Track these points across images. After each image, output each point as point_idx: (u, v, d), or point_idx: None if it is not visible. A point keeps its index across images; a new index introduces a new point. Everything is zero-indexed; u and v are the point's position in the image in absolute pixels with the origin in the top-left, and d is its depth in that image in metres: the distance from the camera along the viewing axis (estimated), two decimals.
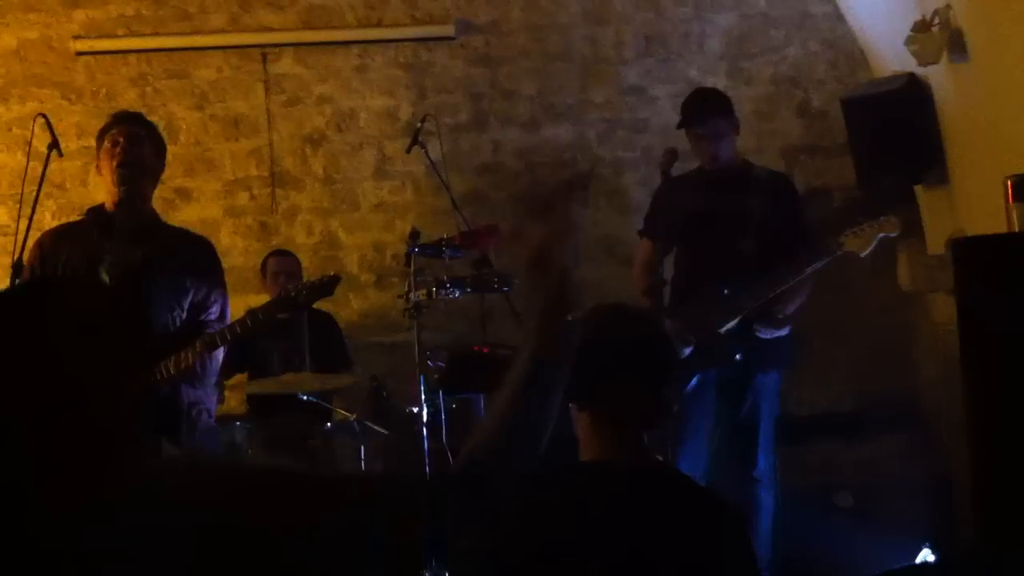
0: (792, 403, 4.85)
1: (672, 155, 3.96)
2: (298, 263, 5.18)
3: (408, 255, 4.25)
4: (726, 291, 4.10)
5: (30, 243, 3.66)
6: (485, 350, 4.43)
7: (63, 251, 3.47)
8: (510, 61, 5.74)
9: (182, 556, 1.22)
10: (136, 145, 3.47)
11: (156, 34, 5.56)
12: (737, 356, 4.10)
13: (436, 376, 4.32)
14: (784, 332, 4.20)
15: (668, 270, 4.15)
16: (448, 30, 5.69)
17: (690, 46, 5.74)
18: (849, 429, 5.25)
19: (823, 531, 4.30)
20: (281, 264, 5.11)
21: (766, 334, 4.15)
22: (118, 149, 3.43)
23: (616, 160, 5.71)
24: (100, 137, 3.53)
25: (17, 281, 3.70)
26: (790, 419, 4.66)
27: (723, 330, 4.10)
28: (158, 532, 1.22)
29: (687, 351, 4.05)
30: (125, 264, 3.41)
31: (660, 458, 2.37)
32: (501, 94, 5.76)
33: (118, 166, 3.43)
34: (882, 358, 5.45)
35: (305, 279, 4.25)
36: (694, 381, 4.13)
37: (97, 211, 3.56)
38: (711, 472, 4.17)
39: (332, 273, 3.56)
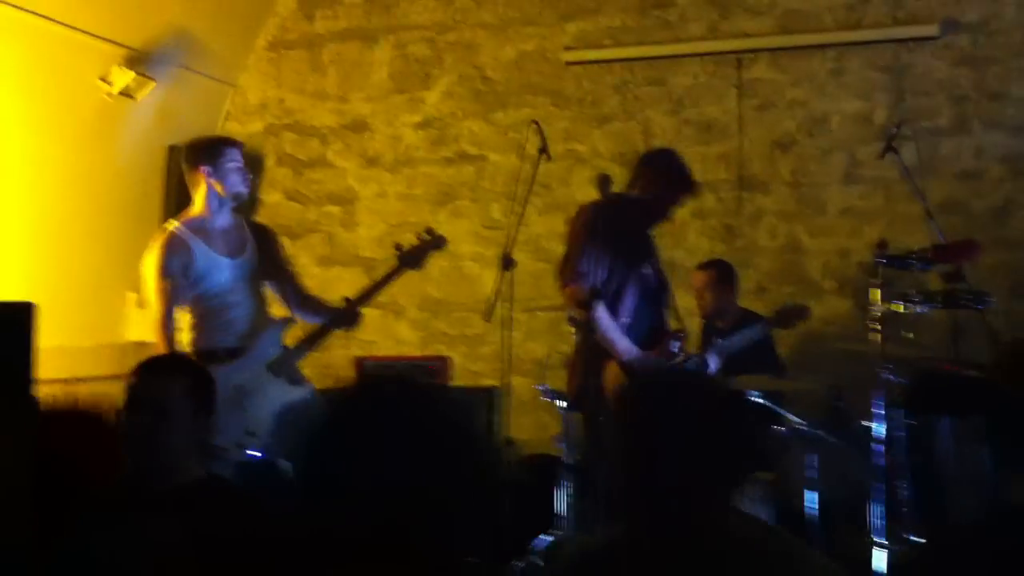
0: None
1: None
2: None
3: (875, 266, 4.16)
4: None
5: (520, 238, 4.09)
6: (955, 368, 4.22)
7: None
8: (1000, 61, 5.39)
9: None
10: None
11: (639, 43, 5.87)
12: None
13: (898, 392, 4.18)
14: None
15: None
16: (932, 30, 5.46)
17: None
18: None
19: None
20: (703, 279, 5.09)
21: None
22: None
23: None
24: None
25: (506, 272, 4.15)
26: None
27: None
28: None
29: None
30: None
31: None
32: (987, 96, 5.42)
33: None
34: None
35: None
36: None
37: None
38: None
39: (802, 306, 4.12)
